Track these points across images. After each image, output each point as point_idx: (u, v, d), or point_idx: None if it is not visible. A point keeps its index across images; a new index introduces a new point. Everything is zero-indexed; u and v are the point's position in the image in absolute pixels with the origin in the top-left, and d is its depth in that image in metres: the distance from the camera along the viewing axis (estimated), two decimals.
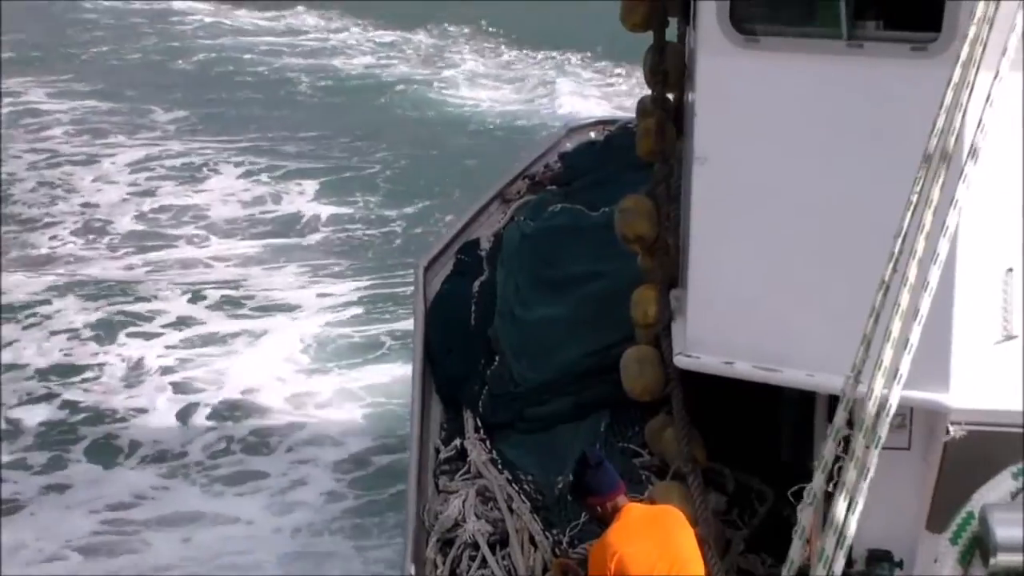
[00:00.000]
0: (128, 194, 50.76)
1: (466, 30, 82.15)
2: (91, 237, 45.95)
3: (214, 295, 38.10)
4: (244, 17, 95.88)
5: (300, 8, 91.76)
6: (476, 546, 13.58)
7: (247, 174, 51.49)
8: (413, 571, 13.55)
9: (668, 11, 14.20)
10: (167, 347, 34.85)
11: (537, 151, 24.46)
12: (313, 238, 43.83)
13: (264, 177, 51.50)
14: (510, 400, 15.71)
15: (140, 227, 46.54)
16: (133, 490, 27.63)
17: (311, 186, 48.77)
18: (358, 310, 35.52)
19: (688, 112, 13.26)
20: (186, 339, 35.22)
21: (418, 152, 54.41)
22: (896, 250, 8.18)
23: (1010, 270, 10.51)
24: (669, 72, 14.58)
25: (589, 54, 69.01)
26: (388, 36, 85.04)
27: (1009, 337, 10.59)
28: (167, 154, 56.18)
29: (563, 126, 25.51)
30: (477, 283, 18.16)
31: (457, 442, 15.28)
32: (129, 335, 35.39)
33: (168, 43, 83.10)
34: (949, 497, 11.02)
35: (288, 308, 36.74)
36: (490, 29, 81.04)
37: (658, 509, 11.88)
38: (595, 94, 64.00)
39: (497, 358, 16.45)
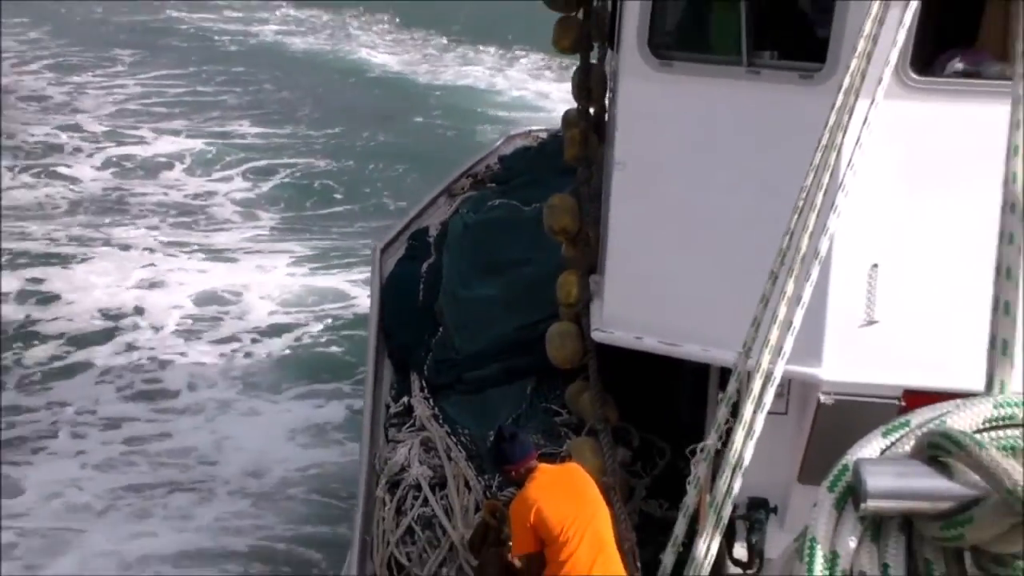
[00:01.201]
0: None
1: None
2: None
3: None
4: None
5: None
6: (419, 487, 13.66)
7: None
8: (363, 508, 13.67)
9: (592, 36, 14.17)
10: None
11: (480, 154, 24.66)
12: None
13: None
14: (451, 366, 15.82)
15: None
16: None
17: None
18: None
19: (610, 124, 13.25)
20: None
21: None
22: (784, 246, 8.27)
23: (875, 266, 10.56)
24: (592, 89, 14.62)
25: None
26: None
27: (871, 322, 10.66)
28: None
29: (502, 134, 25.67)
30: (425, 265, 18.28)
31: (405, 400, 15.36)
32: None
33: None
34: (817, 454, 11.39)
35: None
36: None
37: (565, 467, 12.05)
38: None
39: (440, 330, 16.58)
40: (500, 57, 69.50)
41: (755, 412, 7.83)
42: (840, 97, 9.37)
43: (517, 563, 11.85)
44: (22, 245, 39.53)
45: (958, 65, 10.49)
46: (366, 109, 57.63)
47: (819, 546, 1.55)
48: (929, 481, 1.50)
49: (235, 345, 31.16)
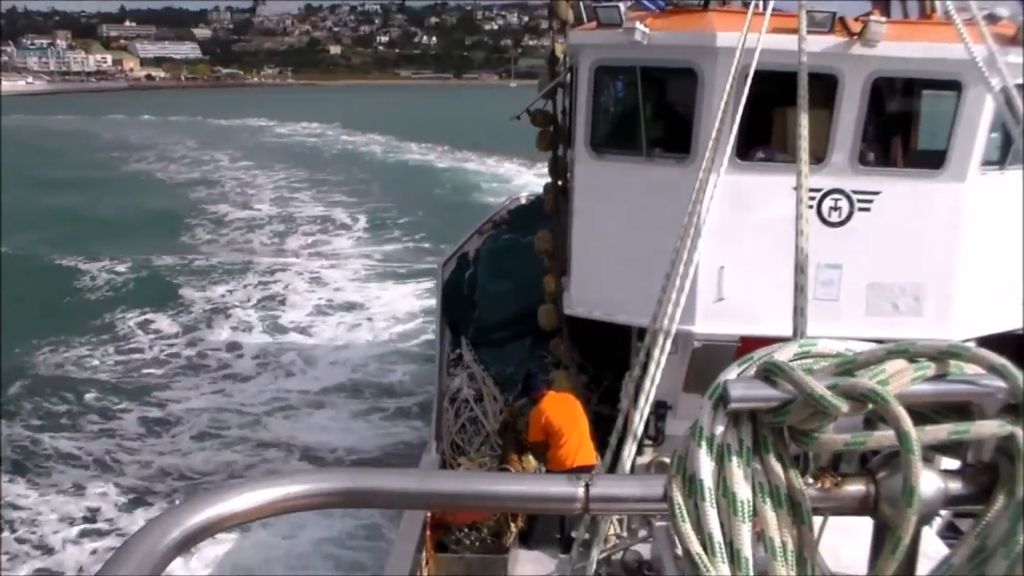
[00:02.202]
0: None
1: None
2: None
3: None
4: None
5: None
6: (467, 400, 14.12)
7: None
8: (436, 413, 14.09)
9: (558, 141, 14.22)
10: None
11: (496, 209, 24.62)
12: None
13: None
14: (483, 331, 16.01)
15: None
16: None
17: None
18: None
19: (571, 188, 13.31)
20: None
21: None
22: (674, 258, 8.92)
23: (722, 267, 10.99)
24: (559, 170, 14.64)
25: None
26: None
27: (721, 299, 11.13)
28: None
29: (509, 197, 25.83)
30: (467, 274, 18.35)
31: (457, 351, 15.67)
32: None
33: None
34: (693, 376, 11.69)
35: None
36: None
37: (563, 394, 12.41)
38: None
39: (476, 311, 16.67)
40: (496, 161, 69.35)
41: (660, 354, 8.63)
42: (701, 173, 10.33)
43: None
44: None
45: (760, 154, 11.14)
46: (427, 194, 57.26)
47: (704, 430, 1.57)
48: (765, 391, 1.54)
49: (368, 320, 31.49)
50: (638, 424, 8.66)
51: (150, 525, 1.47)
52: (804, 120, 6.82)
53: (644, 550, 11.73)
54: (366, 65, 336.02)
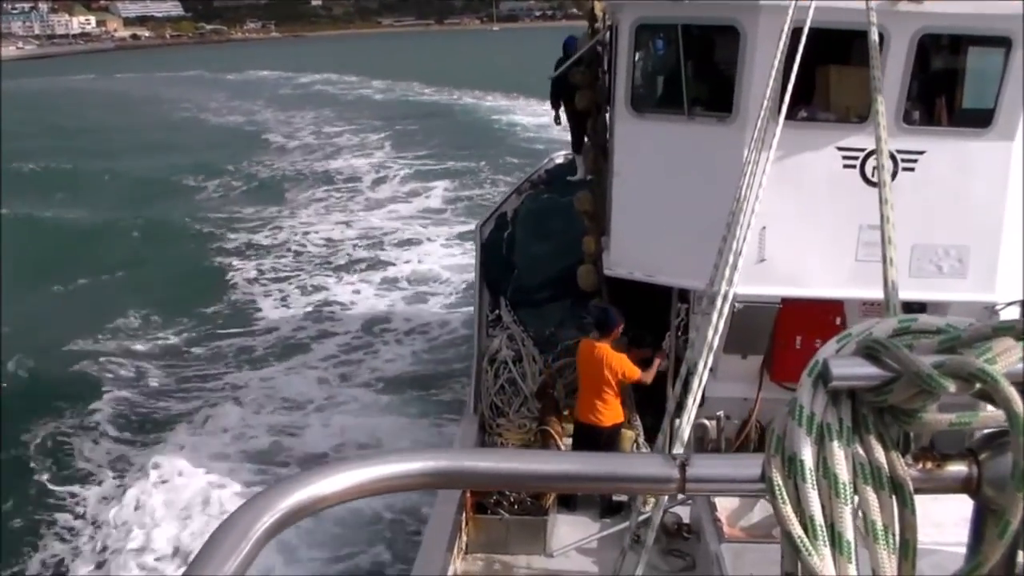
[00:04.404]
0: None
1: None
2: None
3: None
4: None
5: None
6: (506, 362, 14.04)
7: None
8: (475, 374, 14.08)
9: (599, 100, 14.18)
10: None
11: (536, 168, 24.50)
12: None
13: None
14: (522, 291, 15.88)
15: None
16: None
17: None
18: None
19: (610, 149, 13.16)
20: None
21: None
22: (730, 218, 8.74)
23: (764, 228, 10.82)
24: (599, 130, 14.59)
25: None
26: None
27: (762, 260, 11.01)
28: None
29: (548, 157, 25.82)
30: (506, 234, 18.24)
31: (496, 312, 15.60)
32: None
33: None
34: (734, 337, 11.54)
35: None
36: None
37: (591, 345, 12.36)
38: None
39: (515, 271, 16.58)
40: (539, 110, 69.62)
41: (718, 318, 8.52)
42: (744, 131, 10.15)
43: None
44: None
45: (803, 112, 10.98)
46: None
47: (804, 409, 1.53)
48: (867, 369, 1.49)
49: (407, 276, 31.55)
50: (696, 389, 8.57)
51: (244, 507, 1.48)
52: (878, 82, 6.56)
53: (683, 512, 11.81)
54: (348, 15, 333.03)
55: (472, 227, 23.81)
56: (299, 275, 32.51)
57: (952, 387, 1.46)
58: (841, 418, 1.55)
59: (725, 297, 8.76)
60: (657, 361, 12.70)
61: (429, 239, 36.29)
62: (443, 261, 33.02)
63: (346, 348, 25.09)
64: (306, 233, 37.86)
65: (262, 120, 75.17)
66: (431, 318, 27.10)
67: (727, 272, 8.76)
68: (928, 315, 1.60)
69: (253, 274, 32.58)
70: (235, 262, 33.93)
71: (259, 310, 29.04)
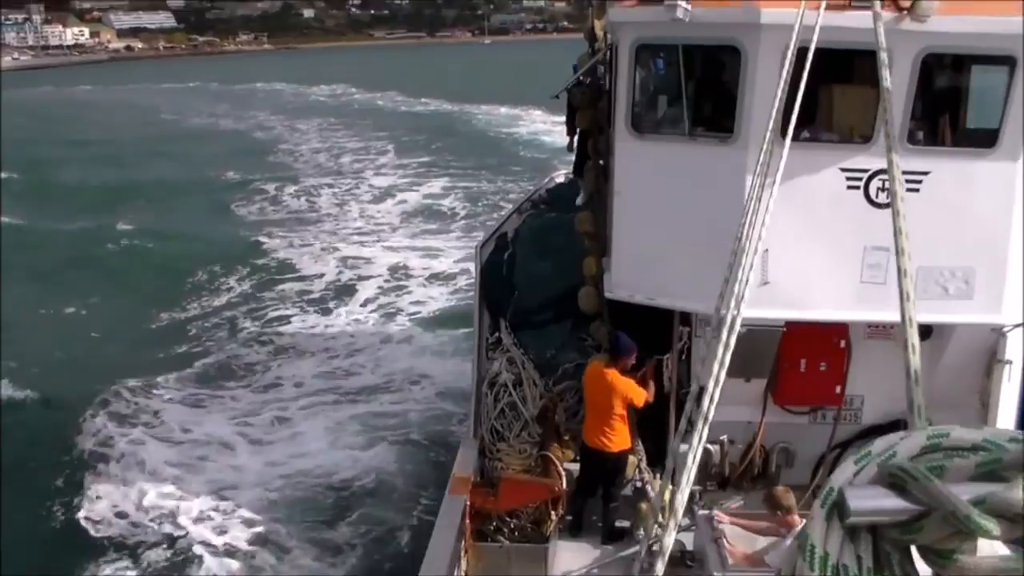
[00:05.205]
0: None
1: None
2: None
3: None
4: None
5: None
6: (505, 385, 13.75)
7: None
8: (475, 398, 13.88)
9: (600, 121, 13.97)
10: None
11: (536, 187, 24.35)
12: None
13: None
14: (523, 313, 15.62)
15: None
16: None
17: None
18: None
19: (611, 170, 12.93)
20: None
21: None
22: (736, 244, 8.70)
23: (766, 250, 10.49)
24: (600, 151, 14.44)
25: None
26: None
27: (765, 282, 10.78)
28: None
29: (548, 177, 25.66)
30: (506, 255, 17.94)
31: (496, 334, 15.32)
32: None
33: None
34: (737, 361, 11.84)
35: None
36: None
37: (598, 369, 12.33)
38: None
39: (516, 292, 16.31)
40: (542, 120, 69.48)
41: (723, 351, 8.29)
42: (743, 152, 9.95)
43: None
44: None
45: (805, 133, 10.70)
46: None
47: (817, 547, 1.37)
48: (892, 501, 1.33)
49: (408, 293, 32.03)
50: (707, 409, 8.33)
51: None
52: (888, 103, 6.28)
53: (686, 538, 11.59)
54: (340, 27, 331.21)
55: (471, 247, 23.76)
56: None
57: (995, 530, 1.23)
58: (860, 556, 1.35)
59: (732, 322, 8.62)
60: (648, 372, 12.66)
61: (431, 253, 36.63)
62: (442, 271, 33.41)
63: (326, 375, 25.21)
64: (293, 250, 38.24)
65: (269, 129, 77.63)
66: (433, 331, 27.33)
67: (734, 296, 8.56)
68: (963, 427, 1.38)
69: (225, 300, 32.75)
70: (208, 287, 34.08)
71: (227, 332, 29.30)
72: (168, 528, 17.39)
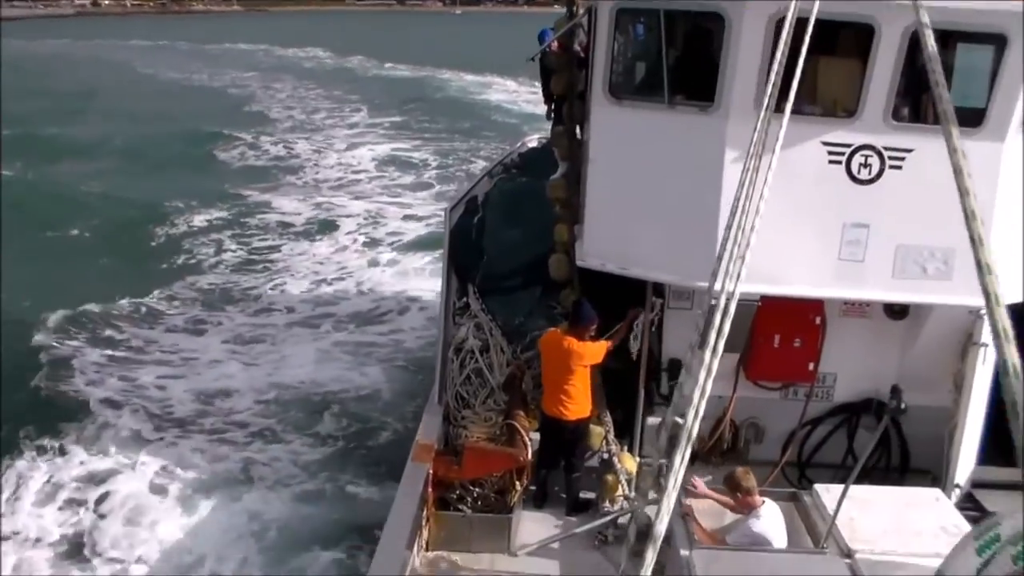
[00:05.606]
0: None
1: None
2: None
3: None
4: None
5: None
6: (472, 351, 13.67)
7: None
8: (440, 364, 13.67)
9: (575, 85, 13.70)
10: None
11: (508, 151, 24.06)
12: None
13: None
14: (491, 278, 15.54)
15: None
16: None
17: None
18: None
19: (585, 135, 12.81)
20: None
21: None
22: (731, 220, 8.43)
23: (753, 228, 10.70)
24: (574, 115, 13.89)
25: None
26: None
27: (741, 257, 10.84)
28: None
29: (520, 141, 25.41)
30: (475, 219, 17.82)
31: (464, 299, 15.21)
32: None
33: None
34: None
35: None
36: None
37: (557, 337, 12.16)
38: None
39: (485, 257, 16.22)
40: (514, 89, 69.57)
41: (722, 321, 8.06)
42: (723, 121, 9.72)
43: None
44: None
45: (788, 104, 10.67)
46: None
47: None
48: None
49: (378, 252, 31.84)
50: (700, 392, 8.09)
51: None
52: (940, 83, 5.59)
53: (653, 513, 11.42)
54: None
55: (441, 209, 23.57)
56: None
57: None
58: None
59: (728, 296, 8.39)
60: (622, 329, 12.58)
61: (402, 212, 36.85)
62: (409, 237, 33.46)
63: (299, 321, 25.66)
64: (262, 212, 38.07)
65: (244, 87, 77.71)
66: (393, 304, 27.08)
67: (730, 270, 8.29)
68: None
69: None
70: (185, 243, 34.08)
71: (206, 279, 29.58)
72: (165, 423, 19.10)
